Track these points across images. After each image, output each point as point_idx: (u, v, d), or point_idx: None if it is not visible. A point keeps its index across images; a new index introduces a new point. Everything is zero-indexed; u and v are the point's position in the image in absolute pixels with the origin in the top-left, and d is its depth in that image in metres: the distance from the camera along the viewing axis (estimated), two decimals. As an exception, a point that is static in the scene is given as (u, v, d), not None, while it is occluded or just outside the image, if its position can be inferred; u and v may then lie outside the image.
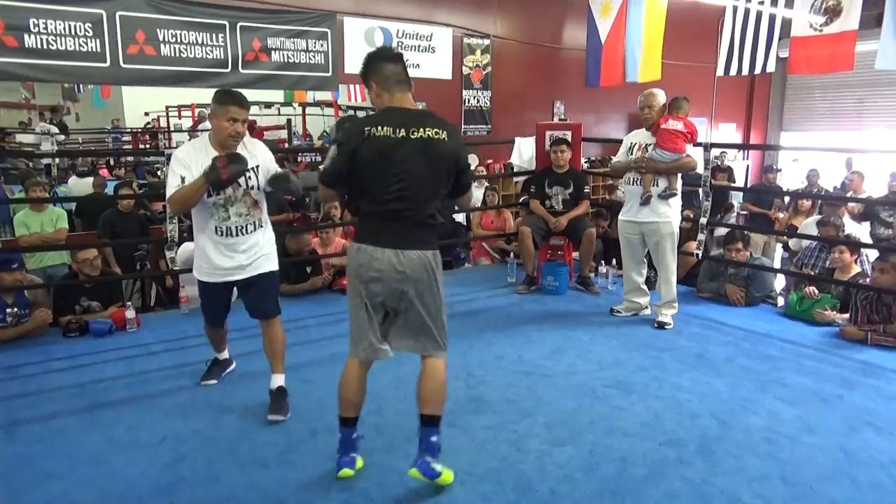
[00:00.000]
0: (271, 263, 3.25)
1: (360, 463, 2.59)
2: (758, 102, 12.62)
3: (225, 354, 3.67)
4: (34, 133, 9.14)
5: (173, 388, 3.44)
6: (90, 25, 5.98)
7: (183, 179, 2.96)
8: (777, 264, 6.40)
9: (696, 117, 10.31)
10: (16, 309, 4.15)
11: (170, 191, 2.99)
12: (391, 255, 2.36)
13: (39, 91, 11.31)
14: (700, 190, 5.14)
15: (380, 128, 2.32)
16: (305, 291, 5.18)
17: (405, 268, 2.36)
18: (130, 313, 4.37)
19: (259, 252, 3.18)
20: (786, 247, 6.60)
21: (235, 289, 3.27)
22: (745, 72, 8.15)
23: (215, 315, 3.37)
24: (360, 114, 9.32)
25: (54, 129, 9.33)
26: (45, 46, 5.83)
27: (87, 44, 6.02)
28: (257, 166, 3.11)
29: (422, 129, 2.34)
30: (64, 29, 5.91)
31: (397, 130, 2.32)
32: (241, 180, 3.03)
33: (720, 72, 8.38)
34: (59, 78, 6.46)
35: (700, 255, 5.13)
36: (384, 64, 2.45)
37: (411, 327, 2.45)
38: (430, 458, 2.42)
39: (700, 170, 4.89)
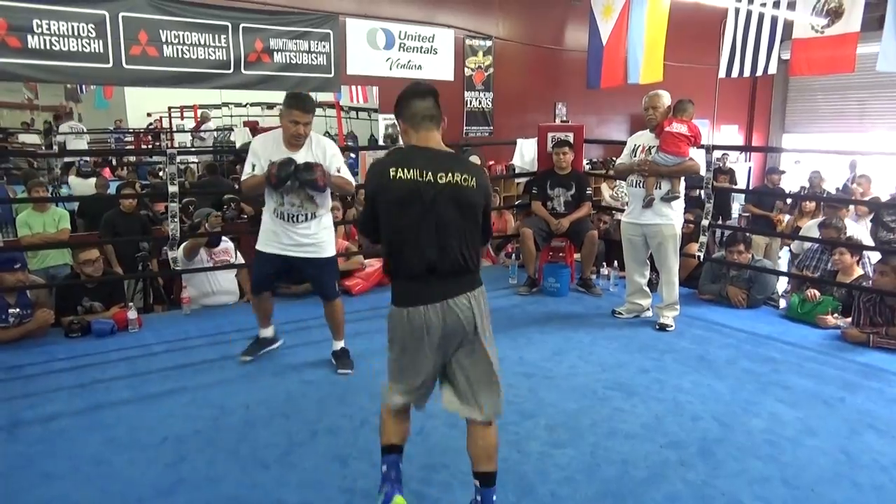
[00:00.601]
0: (324, 251, 3.62)
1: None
2: (760, 104, 12.61)
3: (268, 332, 3.91)
4: (62, 133, 9.13)
5: (175, 389, 3.44)
6: (93, 26, 6.00)
7: (254, 167, 3.45)
8: (784, 267, 6.39)
9: (698, 119, 10.23)
10: (18, 309, 4.15)
11: (243, 176, 3.54)
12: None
13: (42, 92, 11.31)
14: (702, 192, 5.14)
15: (404, 170, 2.11)
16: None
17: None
18: (132, 314, 4.37)
19: (310, 240, 3.55)
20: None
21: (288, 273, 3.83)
22: (747, 74, 8.14)
23: (259, 281, 3.71)
24: (363, 114, 9.35)
25: (80, 126, 9.34)
26: (48, 47, 5.84)
27: (89, 44, 6.03)
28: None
29: (450, 175, 2.13)
30: (67, 30, 5.92)
31: (424, 174, 2.11)
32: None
33: (722, 74, 8.37)
34: (62, 79, 6.47)
35: (702, 256, 5.12)
36: (413, 100, 2.24)
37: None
38: None
39: (702, 172, 4.88)
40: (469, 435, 2.28)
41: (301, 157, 3.44)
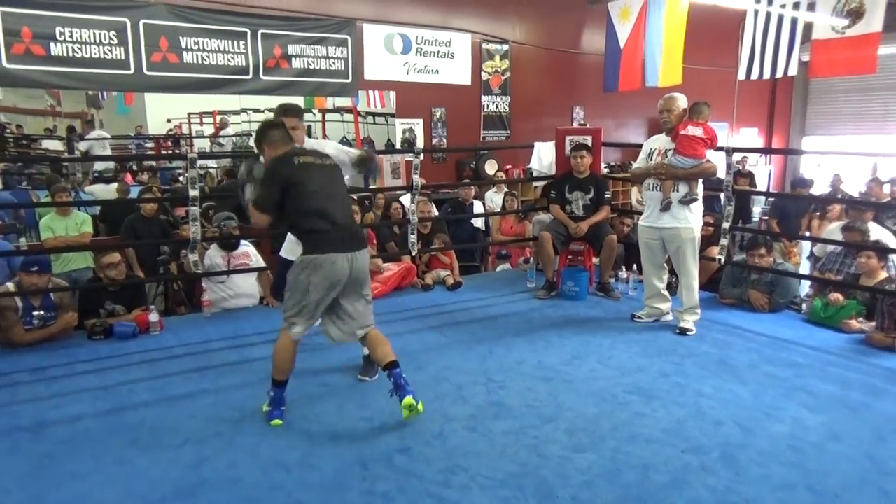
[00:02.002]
0: (284, 252, 3.79)
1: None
2: (780, 106, 12.49)
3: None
4: (89, 139, 9.27)
5: (196, 391, 3.47)
6: (115, 33, 6.10)
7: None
8: (805, 270, 6.32)
9: (717, 122, 10.22)
10: (42, 312, 4.22)
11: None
12: None
13: (64, 98, 11.49)
14: (722, 195, 5.09)
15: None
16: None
17: None
18: (154, 316, 4.42)
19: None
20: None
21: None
22: (767, 76, 8.07)
23: None
24: (380, 119, 9.40)
25: (106, 134, 9.48)
26: (70, 54, 5.95)
27: (111, 51, 6.13)
28: None
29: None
30: (89, 37, 6.02)
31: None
32: None
33: (741, 76, 8.31)
34: (85, 85, 6.58)
35: (722, 260, 5.08)
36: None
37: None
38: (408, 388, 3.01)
39: (722, 174, 4.85)
40: (371, 344, 3.19)
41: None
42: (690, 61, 8.07)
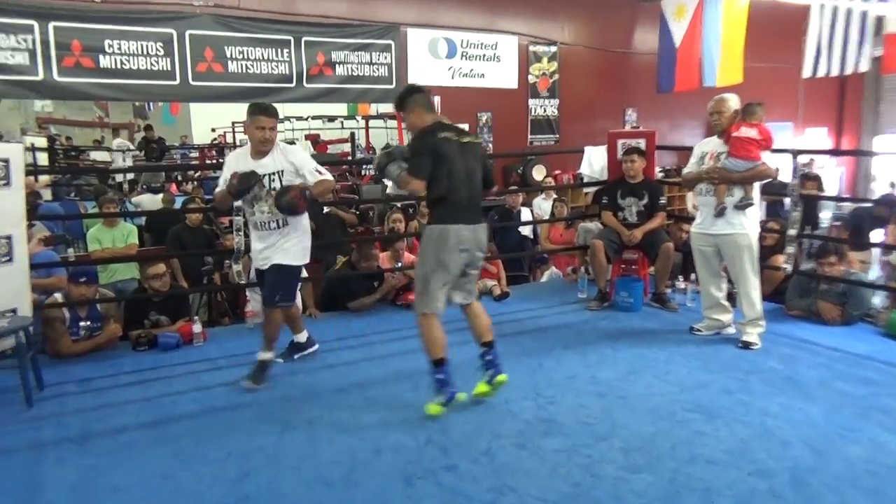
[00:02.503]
0: (286, 257, 3.71)
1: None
2: (849, 104, 12.06)
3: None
4: (109, 150, 9.64)
5: (239, 403, 3.52)
6: (161, 45, 6.31)
7: (225, 181, 3.65)
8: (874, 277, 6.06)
9: (780, 122, 9.95)
10: (89, 322, 4.36)
11: (217, 189, 3.84)
12: None
13: (112, 110, 11.95)
14: (787, 199, 4.93)
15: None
16: (374, 303, 5.27)
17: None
18: (197, 327, 4.52)
19: (278, 248, 3.69)
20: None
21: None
22: (835, 72, 7.82)
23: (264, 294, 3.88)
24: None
25: (129, 145, 9.82)
26: (118, 66, 6.18)
27: (158, 62, 6.34)
28: (281, 171, 3.64)
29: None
30: (136, 49, 6.25)
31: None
32: (266, 181, 3.62)
33: (807, 73, 8.06)
34: (132, 97, 6.84)
35: (789, 269, 4.91)
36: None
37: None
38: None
39: (787, 178, 4.70)
40: (472, 316, 3.49)
41: (268, 166, 3.62)
42: (750, 58, 7.87)
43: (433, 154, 3.21)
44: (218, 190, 3.81)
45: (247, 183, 3.55)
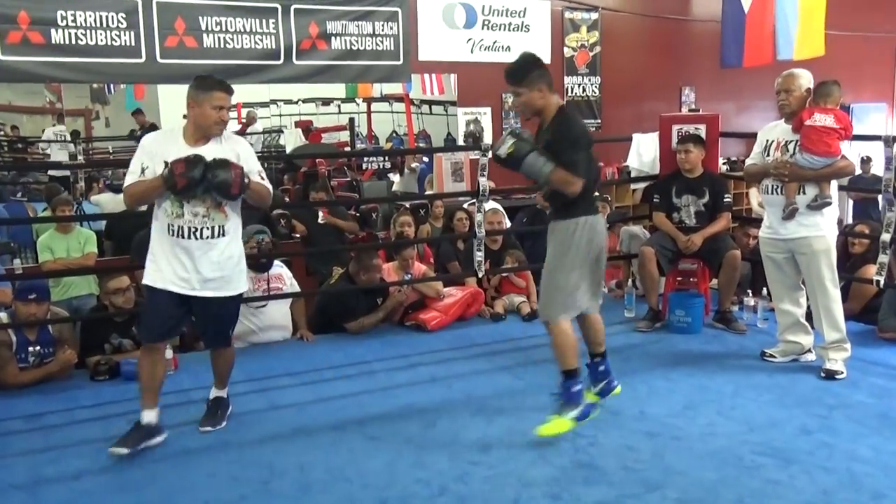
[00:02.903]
0: (236, 286, 3.57)
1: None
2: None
3: (152, 416, 3.52)
4: (44, 140, 9.74)
5: (216, 444, 3.57)
6: (123, 16, 6.39)
7: (144, 170, 3.35)
8: None
9: (874, 102, 9.90)
10: (38, 347, 4.42)
11: (128, 179, 3.40)
12: None
13: (66, 94, 12.11)
14: (880, 197, 4.92)
15: None
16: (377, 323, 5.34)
17: None
18: (167, 353, 4.56)
19: (217, 272, 3.43)
20: None
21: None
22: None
23: (152, 328, 3.56)
24: (437, 108, 9.50)
25: (66, 134, 9.91)
26: (73, 42, 6.25)
27: (119, 37, 6.42)
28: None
29: None
30: (94, 21, 6.32)
31: None
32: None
33: (904, 43, 8.02)
34: (90, 77, 6.93)
35: (882, 282, 4.89)
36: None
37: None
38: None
39: (880, 171, 4.69)
40: (586, 325, 3.71)
41: (210, 152, 3.35)
42: (834, 26, 7.85)
43: (590, 146, 3.48)
44: (135, 181, 3.35)
45: (198, 170, 3.23)
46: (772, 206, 4.39)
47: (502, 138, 3.50)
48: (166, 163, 3.27)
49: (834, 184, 4.27)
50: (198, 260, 3.38)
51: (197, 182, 3.24)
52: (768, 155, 4.39)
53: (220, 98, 3.38)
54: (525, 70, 3.45)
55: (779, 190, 4.31)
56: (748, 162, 4.68)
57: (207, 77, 3.46)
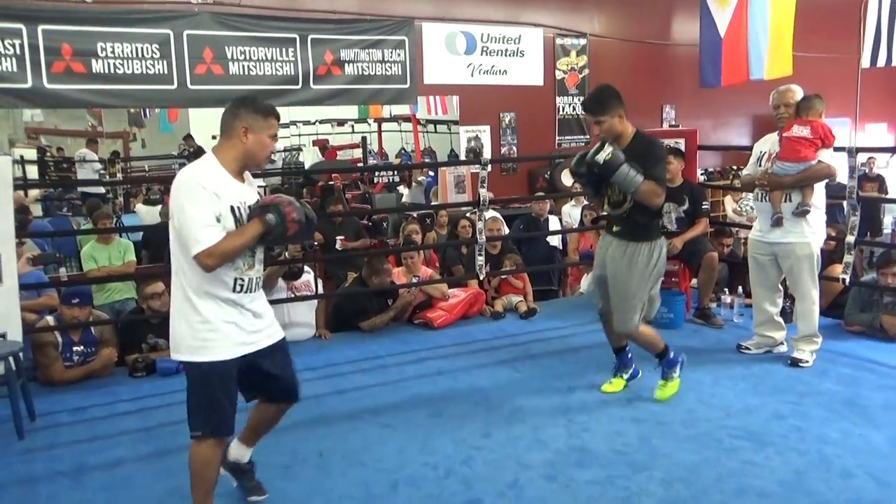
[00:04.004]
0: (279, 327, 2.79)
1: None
2: (914, 97, 11.93)
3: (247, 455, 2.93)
4: (78, 161, 9.79)
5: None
6: (157, 46, 6.44)
7: (219, 220, 2.41)
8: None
9: (837, 118, 9.86)
10: (82, 347, 4.44)
11: (205, 235, 2.36)
12: None
13: (106, 118, 12.18)
14: (845, 203, 4.90)
15: None
16: (388, 321, 5.32)
17: None
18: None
19: (269, 316, 2.70)
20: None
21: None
22: (896, 62, 7.75)
23: (223, 417, 2.57)
24: (441, 128, 9.51)
25: (91, 156, 9.94)
26: (111, 71, 6.31)
27: (154, 66, 6.47)
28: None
29: None
30: (131, 52, 6.37)
31: None
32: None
33: (865, 63, 8.01)
34: (127, 103, 6.97)
35: (847, 280, 4.87)
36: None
37: None
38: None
39: (844, 180, 4.67)
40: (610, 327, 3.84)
41: (248, 194, 2.61)
42: (802, 48, 7.84)
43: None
44: (221, 237, 2.40)
45: (303, 211, 2.58)
46: (761, 213, 4.39)
47: (597, 146, 3.47)
48: (234, 207, 2.47)
49: (821, 192, 4.26)
50: (259, 308, 2.62)
51: (305, 226, 2.59)
52: (760, 166, 4.39)
53: (276, 126, 2.66)
54: (606, 100, 3.49)
55: (767, 198, 4.30)
56: (744, 172, 4.68)
57: (260, 101, 2.64)
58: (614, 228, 3.69)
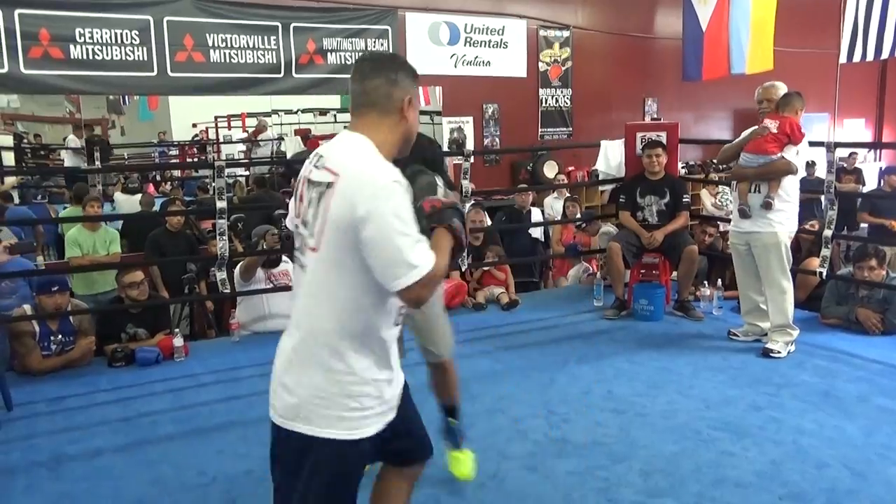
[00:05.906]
0: None
1: None
2: (891, 93, 12.06)
3: None
4: (65, 148, 9.67)
5: (224, 423, 3.55)
6: (137, 33, 6.36)
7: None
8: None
9: (816, 113, 9.96)
10: (60, 336, 4.39)
11: (419, 255, 1.60)
12: None
13: (84, 105, 12.01)
14: (823, 197, 4.96)
15: None
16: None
17: None
18: (178, 341, 4.54)
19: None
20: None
21: None
22: (872, 57, 7.85)
23: None
24: (424, 118, 9.46)
25: (77, 143, 9.81)
26: (90, 57, 6.22)
27: (133, 52, 6.39)
28: None
29: None
30: (110, 38, 6.29)
31: None
32: None
33: (843, 58, 8.10)
34: (106, 90, 6.88)
35: (824, 273, 4.92)
36: None
37: None
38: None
39: (823, 174, 4.73)
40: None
41: None
42: (783, 43, 7.90)
43: None
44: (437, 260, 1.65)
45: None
46: (735, 204, 4.51)
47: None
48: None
49: (794, 185, 4.32)
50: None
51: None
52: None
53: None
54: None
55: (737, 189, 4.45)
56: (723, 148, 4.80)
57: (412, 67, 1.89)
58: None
